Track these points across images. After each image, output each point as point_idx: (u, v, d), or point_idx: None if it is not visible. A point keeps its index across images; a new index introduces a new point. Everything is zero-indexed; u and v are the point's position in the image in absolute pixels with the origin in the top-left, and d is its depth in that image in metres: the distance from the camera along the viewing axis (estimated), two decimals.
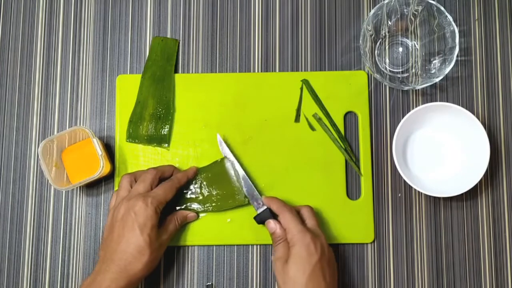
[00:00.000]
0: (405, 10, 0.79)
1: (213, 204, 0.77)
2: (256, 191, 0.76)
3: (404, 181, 0.77)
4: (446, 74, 0.76)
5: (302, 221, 0.72)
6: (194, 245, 0.78)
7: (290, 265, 0.68)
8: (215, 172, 0.77)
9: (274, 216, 0.73)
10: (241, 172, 0.77)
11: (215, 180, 0.77)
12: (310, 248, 0.68)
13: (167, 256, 0.78)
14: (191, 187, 0.77)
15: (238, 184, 0.76)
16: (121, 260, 0.68)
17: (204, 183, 0.77)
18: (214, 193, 0.77)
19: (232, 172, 0.77)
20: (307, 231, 0.69)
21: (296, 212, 0.73)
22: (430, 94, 0.81)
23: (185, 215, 0.76)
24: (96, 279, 0.67)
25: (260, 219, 0.74)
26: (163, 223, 0.73)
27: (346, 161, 0.79)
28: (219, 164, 0.77)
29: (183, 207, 0.77)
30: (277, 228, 0.71)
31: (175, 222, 0.74)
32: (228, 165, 0.77)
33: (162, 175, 0.74)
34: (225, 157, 0.77)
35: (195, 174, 0.77)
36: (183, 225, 0.77)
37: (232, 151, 0.78)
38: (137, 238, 0.68)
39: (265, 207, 0.74)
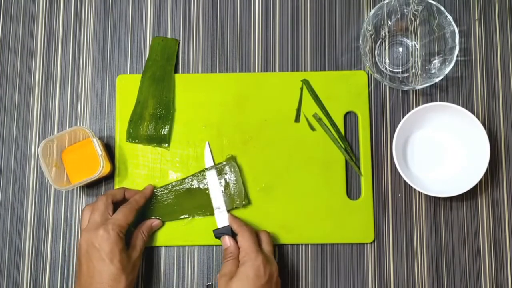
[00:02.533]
0: (405, 10, 0.79)
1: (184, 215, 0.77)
2: (224, 206, 0.76)
3: (404, 181, 0.77)
4: (446, 74, 0.76)
5: (259, 244, 0.72)
6: (194, 245, 0.78)
7: (234, 282, 0.68)
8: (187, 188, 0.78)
9: (233, 235, 0.74)
10: (213, 183, 0.77)
11: (185, 195, 0.78)
12: (259, 270, 0.68)
13: (167, 256, 0.78)
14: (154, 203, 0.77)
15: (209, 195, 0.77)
16: None
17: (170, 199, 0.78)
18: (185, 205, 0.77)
19: (212, 182, 0.77)
20: (260, 254, 0.69)
21: (256, 235, 0.73)
22: (430, 94, 0.81)
23: (149, 225, 0.76)
24: None
25: (218, 234, 0.75)
26: (131, 242, 0.72)
27: (346, 161, 0.79)
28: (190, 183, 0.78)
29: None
30: (231, 245, 0.72)
31: (142, 236, 0.74)
32: (209, 175, 0.77)
33: (114, 198, 0.73)
34: (206, 168, 0.77)
35: (151, 193, 0.77)
36: (152, 234, 0.77)
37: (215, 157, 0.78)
38: (108, 267, 0.67)
39: (226, 223, 0.75)
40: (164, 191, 0.78)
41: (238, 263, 0.70)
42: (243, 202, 0.77)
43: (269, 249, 0.72)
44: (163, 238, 0.78)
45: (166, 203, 0.77)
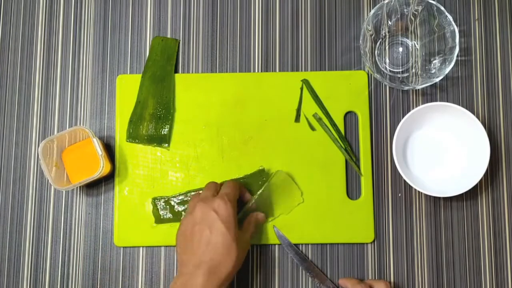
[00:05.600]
0: (405, 10, 0.79)
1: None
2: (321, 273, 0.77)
3: (404, 181, 0.77)
4: (446, 74, 0.76)
5: None
6: None
7: None
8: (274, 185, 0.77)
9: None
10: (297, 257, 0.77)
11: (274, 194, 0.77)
12: None
13: (167, 256, 0.78)
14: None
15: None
16: (212, 260, 0.66)
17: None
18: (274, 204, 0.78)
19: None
20: None
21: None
22: (430, 94, 0.81)
23: (255, 217, 0.76)
24: (187, 283, 0.65)
25: None
26: (242, 225, 0.73)
27: (346, 161, 0.79)
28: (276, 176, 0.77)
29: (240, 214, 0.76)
30: None
31: (251, 224, 0.74)
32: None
33: (220, 186, 0.74)
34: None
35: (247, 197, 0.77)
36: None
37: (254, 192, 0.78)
38: (224, 235, 0.67)
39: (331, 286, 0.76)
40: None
41: None
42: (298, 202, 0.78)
43: None
44: (162, 238, 0.78)
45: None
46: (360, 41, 0.78)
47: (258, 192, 0.76)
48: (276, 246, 0.78)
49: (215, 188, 0.73)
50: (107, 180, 0.80)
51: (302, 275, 0.78)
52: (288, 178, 0.77)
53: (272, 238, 0.78)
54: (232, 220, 0.68)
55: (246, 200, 0.76)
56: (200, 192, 0.75)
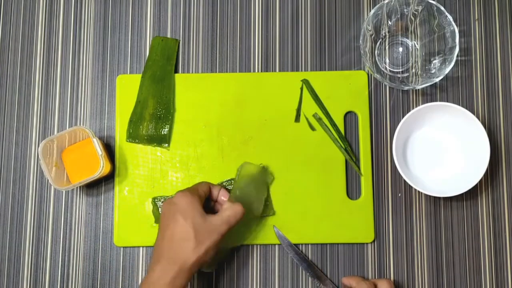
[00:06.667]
0: (405, 10, 0.79)
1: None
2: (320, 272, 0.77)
3: (404, 181, 0.77)
4: (446, 74, 0.76)
5: None
6: None
7: None
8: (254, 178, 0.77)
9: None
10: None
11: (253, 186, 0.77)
12: None
13: None
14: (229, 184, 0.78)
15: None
16: (169, 251, 0.66)
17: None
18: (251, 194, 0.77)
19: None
20: None
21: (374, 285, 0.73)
22: (430, 94, 0.81)
23: (232, 206, 0.71)
24: (148, 275, 0.66)
25: None
26: (221, 212, 0.69)
27: (346, 161, 0.79)
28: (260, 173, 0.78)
29: None
30: None
31: (228, 211, 0.70)
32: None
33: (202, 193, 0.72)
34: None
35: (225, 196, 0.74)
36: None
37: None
38: (181, 224, 0.66)
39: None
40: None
41: None
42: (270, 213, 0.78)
43: None
44: None
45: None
46: (360, 41, 0.78)
47: (232, 188, 0.76)
48: (276, 246, 0.78)
49: (195, 189, 0.71)
50: (107, 180, 0.80)
51: (302, 275, 0.78)
52: (258, 168, 0.77)
53: (272, 238, 0.78)
54: (190, 208, 0.67)
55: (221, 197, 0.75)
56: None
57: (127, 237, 0.78)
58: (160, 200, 0.78)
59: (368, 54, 0.80)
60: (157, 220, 0.78)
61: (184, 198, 0.68)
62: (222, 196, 0.73)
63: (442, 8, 0.76)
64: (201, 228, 0.67)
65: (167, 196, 0.78)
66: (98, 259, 0.78)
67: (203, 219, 0.67)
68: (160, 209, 0.77)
